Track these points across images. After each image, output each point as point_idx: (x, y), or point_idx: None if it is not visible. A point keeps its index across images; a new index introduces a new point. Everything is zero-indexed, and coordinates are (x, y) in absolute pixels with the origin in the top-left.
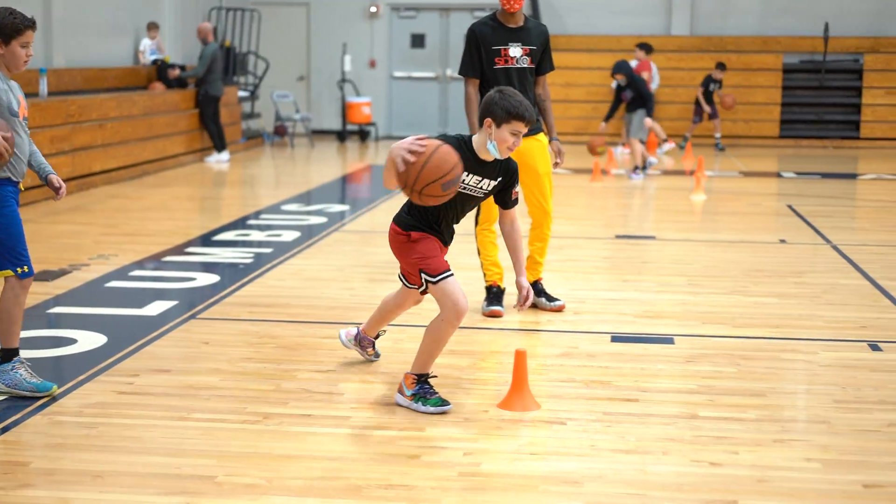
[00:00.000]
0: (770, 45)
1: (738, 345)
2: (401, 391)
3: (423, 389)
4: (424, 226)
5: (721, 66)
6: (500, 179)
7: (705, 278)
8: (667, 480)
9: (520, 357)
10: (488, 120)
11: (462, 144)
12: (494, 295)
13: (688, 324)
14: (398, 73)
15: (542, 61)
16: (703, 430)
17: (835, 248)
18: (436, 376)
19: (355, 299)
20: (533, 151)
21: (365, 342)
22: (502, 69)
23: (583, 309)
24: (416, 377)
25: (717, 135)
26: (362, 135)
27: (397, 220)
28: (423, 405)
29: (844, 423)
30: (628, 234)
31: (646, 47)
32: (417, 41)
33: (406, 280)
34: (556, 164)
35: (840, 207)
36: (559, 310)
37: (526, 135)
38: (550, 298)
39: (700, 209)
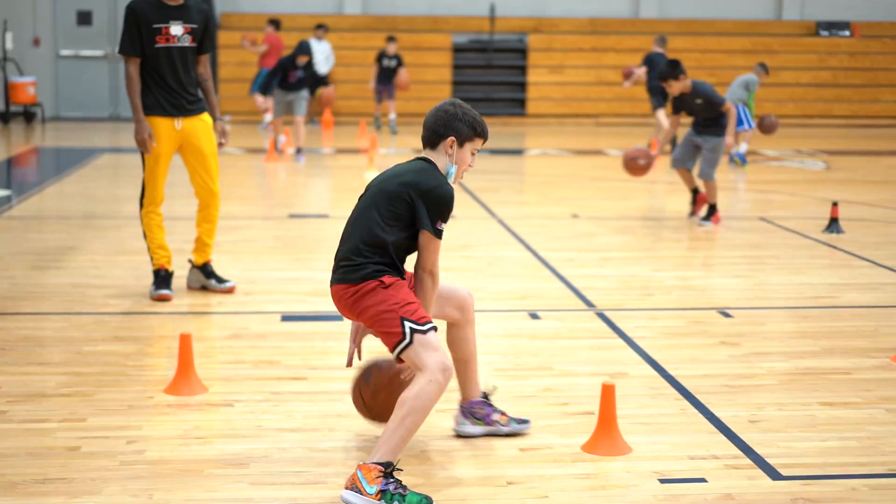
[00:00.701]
0: (440, 25)
1: None
2: (356, 488)
3: (394, 484)
4: (390, 266)
5: (391, 40)
6: None
7: None
8: (333, 456)
9: (184, 341)
10: (451, 139)
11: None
12: (163, 278)
13: None
14: (65, 52)
15: (204, 40)
16: None
17: (500, 221)
18: (402, 470)
19: (16, 288)
20: (198, 131)
21: (479, 410)
22: (164, 48)
23: (254, 289)
24: (382, 468)
25: (393, 116)
26: (27, 116)
27: (344, 278)
28: None
29: (505, 391)
30: (302, 213)
31: (274, 23)
32: (84, 18)
33: (389, 348)
34: (220, 145)
35: (507, 182)
36: (230, 291)
37: (190, 114)
38: (220, 280)
39: None
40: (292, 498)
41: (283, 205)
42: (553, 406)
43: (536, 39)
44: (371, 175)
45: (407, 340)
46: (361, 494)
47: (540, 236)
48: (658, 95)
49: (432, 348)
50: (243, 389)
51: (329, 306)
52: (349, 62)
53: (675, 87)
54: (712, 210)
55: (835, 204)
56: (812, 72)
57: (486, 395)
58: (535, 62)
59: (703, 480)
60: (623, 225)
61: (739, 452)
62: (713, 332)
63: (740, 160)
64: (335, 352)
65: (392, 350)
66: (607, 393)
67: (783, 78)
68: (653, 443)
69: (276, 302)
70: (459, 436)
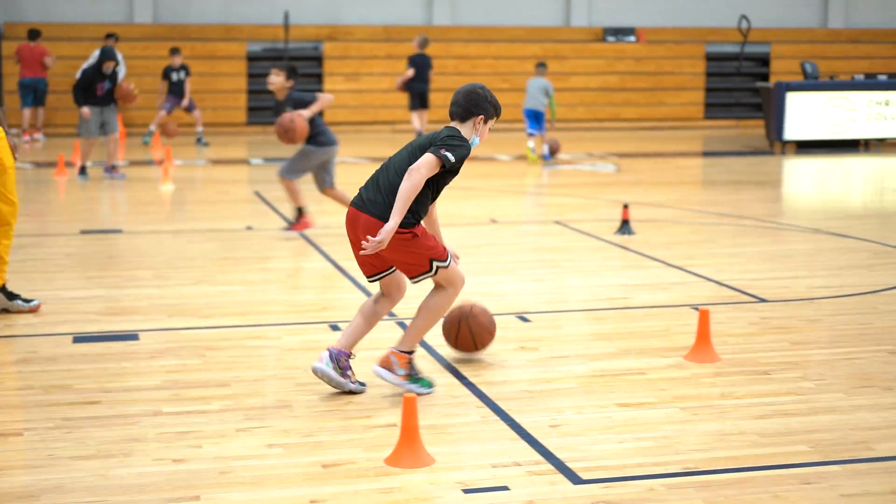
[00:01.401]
0: (233, 34)
1: (205, 335)
2: (388, 367)
3: (414, 370)
4: (418, 220)
5: (174, 51)
6: None
7: (172, 270)
8: (128, 483)
9: None
10: (480, 117)
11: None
12: None
13: (154, 318)
14: None
15: None
16: (166, 427)
17: (300, 233)
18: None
19: None
20: None
21: (344, 361)
22: None
23: (43, 310)
24: (409, 357)
25: (200, 128)
26: None
27: (374, 212)
28: (421, 387)
29: (305, 406)
30: (94, 229)
31: (31, 33)
32: None
33: (409, 275)
34: (15, 158)
35: (305, 192)
36: (36, 310)
37: None
38: (26, 300)
39: (168, 199)
40: None
41: (75, 220)
42: (356, 419)
43: (331, 47)
44: (167, 188)
45: (432, 271)
46: (393, 374)
47: (340, 246)
48: (415, 97)
49: (454, 271)
50: (33, 417)
51: (123, 325)
52: (140, 72)
53: (276, 82)
54: (300, 213)
55: (625, 206)
56: (600, 76)
57: (351, 355)
58: (331, 70)
59: (505, 489)
60: None
61: (541, 458)
62: (512, 338)
63: (545, 159)
64: (130, 373)
65: (412, 276)
66: (409, 405)
67: (573, 83)
68: (455, 452)
69: (67, 323)
70: (315, 371)
